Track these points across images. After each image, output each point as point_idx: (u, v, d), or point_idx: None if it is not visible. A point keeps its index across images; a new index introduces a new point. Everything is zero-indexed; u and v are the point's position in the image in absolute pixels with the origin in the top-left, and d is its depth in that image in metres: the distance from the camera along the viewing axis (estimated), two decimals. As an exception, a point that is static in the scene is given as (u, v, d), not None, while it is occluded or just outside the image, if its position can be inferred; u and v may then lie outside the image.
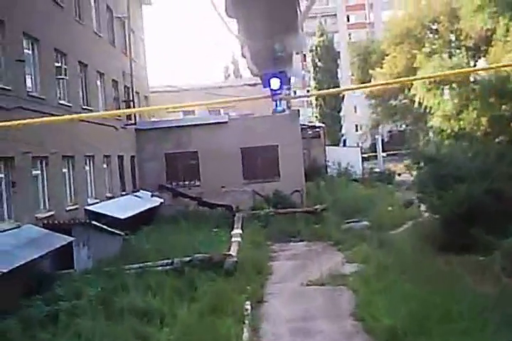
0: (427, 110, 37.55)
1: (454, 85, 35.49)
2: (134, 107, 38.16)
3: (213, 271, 22.35)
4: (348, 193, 45.31)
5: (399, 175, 63.82)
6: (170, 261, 23.26)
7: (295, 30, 6.61)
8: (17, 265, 17.37)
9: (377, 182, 60.04)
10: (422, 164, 29.89)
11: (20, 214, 21.56)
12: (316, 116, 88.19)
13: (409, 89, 42.17)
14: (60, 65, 26.82)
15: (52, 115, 24.78)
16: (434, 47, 44.98)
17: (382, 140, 75.48)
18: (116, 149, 34.51)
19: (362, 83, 67.59)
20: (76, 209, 27.24)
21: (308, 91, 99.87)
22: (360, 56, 62.55)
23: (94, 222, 24.27)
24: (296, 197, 39.43)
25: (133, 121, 37.98)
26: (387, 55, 53.77)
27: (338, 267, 24.90)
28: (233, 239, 27.79)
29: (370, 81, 66.67)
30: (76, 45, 28.92)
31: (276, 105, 9.11)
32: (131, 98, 37.91)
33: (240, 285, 21.20)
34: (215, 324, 16.33)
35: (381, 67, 54.73)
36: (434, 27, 49.93)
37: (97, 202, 30.09)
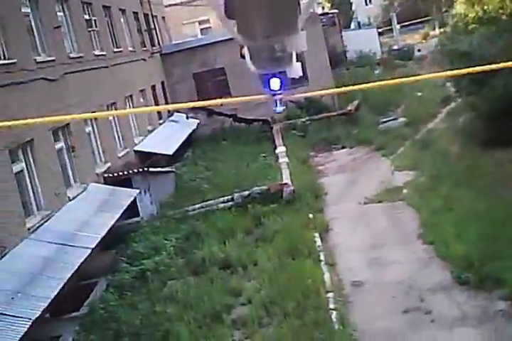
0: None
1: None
2: (156, 33, 38.61)
3: (273, 202, 23.48)
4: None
5: (418, 50, 63.83)
6: (230, 197, 24.32)
7: (295, 29, 6.40)
8: (100, 237, 18.54)
9: (397, 61, 60.49)
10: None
11: (84, 175, 22.62)
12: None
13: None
14: (88, 17, 27.23)
15: (93, 69, 25.68)
16: None
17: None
18: (148, 80, 35.14)
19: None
20: (127, 153, 28.24)
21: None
22: None
23: (150, 169, 25.26)
24: (327, 99, 40.00)
25: (157, 48, 38.39)
26: None
27: (389, 177, 25.80)
28: (280, 161, 28.67)
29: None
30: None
31: (276, 105, 8.48)
32: (151, 25, 38.16)
33: (302, 214, 22.32)
34: (295, 268, 17.45)
35: None
36: None
37: (142, 139, 31.04)
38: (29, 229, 17.62)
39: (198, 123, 38.64)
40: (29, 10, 21.19)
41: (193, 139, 36.72)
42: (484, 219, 17.84)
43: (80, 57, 24.83)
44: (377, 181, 25.46)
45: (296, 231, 20.15)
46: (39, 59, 20.73)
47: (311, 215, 22.26)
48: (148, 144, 30.56)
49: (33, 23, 21.23)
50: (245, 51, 7.31)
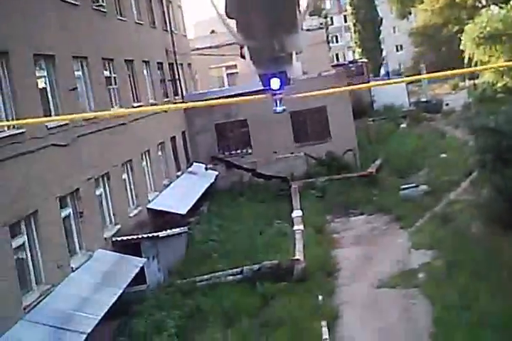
0: (478, 65, 36.81)
1: (504, 38, 34.70)
2: (180, 83, 38.24)
3: (283, 279, 22.71)
4: (398, 142, 45.16)
5: (446, 104, 63.23)
6: (239, 269, 23.61)
7: (295, 29, 6.64)
8: (99, 318, 17.83)
9: (424, 114, 59.98)
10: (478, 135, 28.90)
11: (90, 241, 21.98)
12: (356, 42, 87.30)
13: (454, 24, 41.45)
14: (108, 74, 26.73)
15: (109, 128, 25.11)
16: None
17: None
18: (168, 132, 34.64)
19: (402, 18, 66.82)
20: (139, 211, 27.60)
21: (345, 16, 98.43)
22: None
23: (160, 234, 24.59)
24: (348, 157, 39.46)
25: (180, 97, 37.96)
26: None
27: (405, 256, 25.00)
28: (295, 228, 27.98)
29: (409, 14, 65.71)
30: (120, 44, 28.68)
31: (276, 105, 9.00)
32: (176, 74, 37.79)
33: (311, 296, 21.53)
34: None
35: (422, 3, 53.65)
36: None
37: (157, 195, 30.43)
38: (25, 308, 16.93)
39: (217, 176, 38.06)
40: (45, 73, 20.66)
41: (211, 192, 36.11)
42: (499, 326, 17.00)
43: (96, 117, 24.21)
44: (393, 259, 24.68)
45: (303, 320, 19.37)
46: (51, 124, 20.12)
47: (320, 297, 21.44)
48: (162, 201, 29.94)
49: (47, 87, 20.69)
50: (245, 51, 7.21)
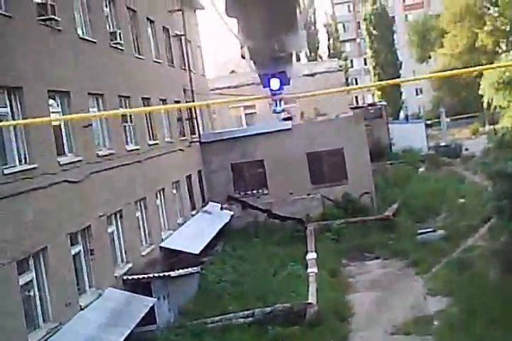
0: (497, 110, 36.60)
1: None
2: (197, 121, 38.20)
3: (295, 323, 22.23)
4: (416, 186, 44.77)
5: (466, 149, 62.78)
6: (251, 312, 23.16)
7: (295, 29, 6.61)
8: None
9: (443, 158, 59.56)
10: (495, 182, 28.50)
11: (101, 279, 21.65)
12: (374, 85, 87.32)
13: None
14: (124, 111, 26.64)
15: (123, 165, 24.88)
16: (496, 24, 43.78)
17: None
18: (183, 171, 34.42)
19: (422, 62, 66.97)
20: (152, 250, 27.29)
21: (365, 59, 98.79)
22: (419, 33, 61.21)
23: (172, 274, 24.23)
24: (365, 199, 39.10)
25: (197, 136, 37.87)
26: (446, 33, 52.36)
27: (421, 302, 24.55)
28: (309, 271, 27.54)
29: (429, 58, 65.73)
30: (137, 81, 28.62)
31: (276, 105, 8.96)
32: (193, 113, 37.75)
33: (324, 340, 21.09)
34: None
35: (441, 47, 53.61)
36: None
37: (171, 234, 30.13)
38: (31, 346, 16.59)
39: (232, 215, 37.76)
40: (59, 109, 20.55)
41: (226, 231, 35.79)
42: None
43: (110, 154, 24.06)
44: (408, 305, 24.23)
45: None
46: (63, 161, 19.94)
47: (332, 344, 21.00)
48: (176, 240, 29.61)
49: (61, 123, 20.54)
50: (245, 51, 6.98)
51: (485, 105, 37.90)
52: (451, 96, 60.16)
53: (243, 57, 7.66)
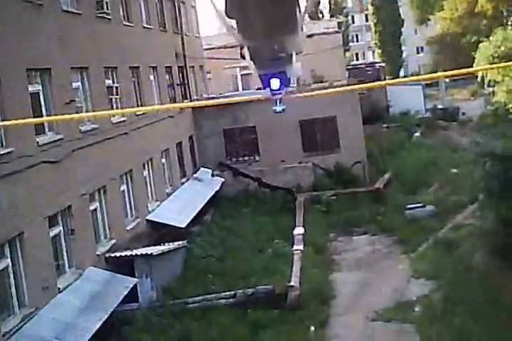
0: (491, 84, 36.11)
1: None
2: (189, 86, 37.67)
3: (277, 306, 22.14)
4: (409, 154, 44.35)
5: (463, 113, 62.38)
6: (233, 293, 23.04)
7: (295, 30, 6.58)
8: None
9: (440, 121, 59.25)
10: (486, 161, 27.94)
11: (81, 259, 21.40)
12: (376, 43, 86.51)
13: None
14: (111, 83, 26.06)
15: (108, 139, 24.47)
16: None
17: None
18: (173, 138, 33.95)
19: (421, 24, 66.19)
20: (137, 224, 26.98)
21: (366, 15, 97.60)
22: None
23: (154, 252, 23.99)
24: (357, 169, 38.85)
25: (189, 101, 37.40)
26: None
27: (404, 285, 24.45)
28: (295, 247, 27.39)
29: (428, 20, 64.89)
30: (125, 50, 27.94)
31: (276, 104, 9.28)
32: (185, 78, 37.17)
33: (303, 327, 21.02)
34: None
35: (441, 10, 52.87)
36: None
37: (158, 205, 29.82)
38: (4, 335, 16.43)
39: (223, 183, 37.48)
40: (39, 87, 20.02)
41: (216, 199, 35.55)
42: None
43: (94, 129, 23.50)
44: (391, 288, 24.15)
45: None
46: (43, 141, 19.48)
47: (312, 329, 20.89)
48: (163, 212, 29.27)
49: (42, 101, 20.05)
50: (245, 51, 7.12)
51: (479, 79, 37.32)
52: (449, 60, 59.32)
53: (243, 57, 7.57)
